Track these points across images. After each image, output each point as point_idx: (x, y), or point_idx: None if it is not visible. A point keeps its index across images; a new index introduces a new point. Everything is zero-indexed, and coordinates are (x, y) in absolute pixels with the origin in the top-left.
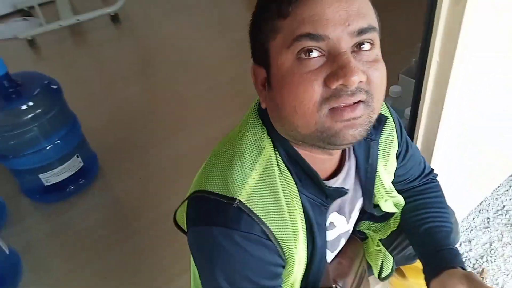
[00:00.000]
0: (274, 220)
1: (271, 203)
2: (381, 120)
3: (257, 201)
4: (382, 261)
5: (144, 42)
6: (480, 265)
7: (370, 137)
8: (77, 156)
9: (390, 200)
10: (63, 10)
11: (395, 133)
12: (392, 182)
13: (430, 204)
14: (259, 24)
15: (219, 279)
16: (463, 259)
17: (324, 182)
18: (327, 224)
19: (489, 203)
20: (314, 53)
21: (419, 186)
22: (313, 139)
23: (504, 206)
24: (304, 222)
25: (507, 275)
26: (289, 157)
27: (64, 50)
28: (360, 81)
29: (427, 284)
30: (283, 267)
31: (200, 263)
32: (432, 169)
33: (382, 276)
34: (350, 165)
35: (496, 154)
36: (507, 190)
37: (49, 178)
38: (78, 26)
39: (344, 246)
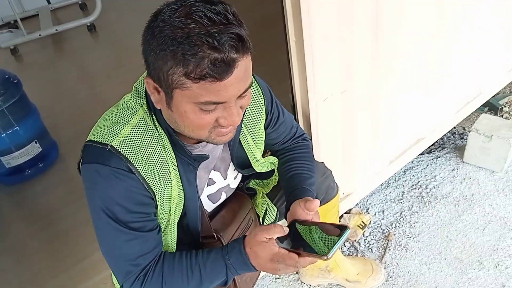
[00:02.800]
0: (143, 163)
1: (142, 150)
2: None
3: (127, 148)
4: (266, 210)
5: (116, 48)
6: (388, 231)
7: None
8: (35, 142)
9: (262, 165)
10: (44, 22)
11: (263, 107)
12: (268, 144)
13: (296, 158)
14: (164, 64)
15: (98, 205)
16: (375, 227)
17: (190, 150)
18: (206, 181)
19: (405, 179)
20: (212, 106)
21: (290, 145)
22: (197, 139)
23: (419, 181)
24: (177, 173)
25: (410, 237)
26: (167, 131)
27: (43, 57)
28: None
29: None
30: (152, 199)
31: (86, 194)
32: (304, 133)
33: (265, 223)
34: None
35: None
36: (424, 168)
37: (10, 161)
38: (58, 36)
39: (229, 201)
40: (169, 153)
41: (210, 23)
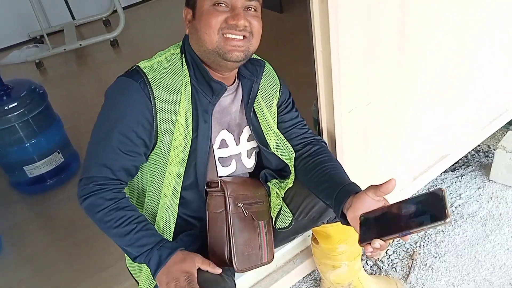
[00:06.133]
0: (157, 83)
1: (161, 73)
2: (260, 65)
3: (151, 70)
4: (280, 212)
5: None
6: (413, 249)
7: (252, 78)
8: (58, 152)
9: (278, 142)
10: (69, 37)
11: (278, 88)
12: (285, 131)
13: (329, 160)
14: None
15: (105, 106)
16: (399, 245)
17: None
18: (218, 138)
19: None
20: (223, 5)
21: (315, 150)
22: (213, 54)
23: None
24: (189, 102)
25: (436, 257)
26: (193, 62)
27: (67, 70)
28: (245, 25)
29: (343, 222)
30: (151, 126)
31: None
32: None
33: (277, 225)
34: (237, 92)
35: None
36: (449, 186)
37: (32, 170)
38: (82, 50)
39: (245, 179)
40: (186, 81)
41: None
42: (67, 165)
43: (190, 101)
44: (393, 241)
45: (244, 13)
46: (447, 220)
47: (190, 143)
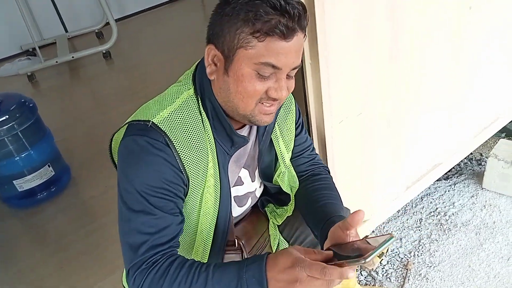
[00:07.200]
0: (181, 141)
1: (182, 129)
2: None
3: (168, 125)
4: (278, 245)
5: (130, 75)
6: (407, 259)
7: None
8: (48, 166)
9: (286, 175)
10: (61, 49)
11: (294, 110)
12: (294, 153)
13: (327, 188)
14: (233, 27)
15: (127, 174)
16: (393, 255)
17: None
18: (236, 178)
19: (423, 206)
20: (267, 73)
21: (318, 174)
22: (242, 117)
23: (437, 208)
24: (216, 161)
25: (430, 266)
26: (213, 111)
27: (59, 83)
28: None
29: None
30: (182, 180)
31: (118, 167)
32: (325, 165)
33: None
34: (253, 126)
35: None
36: (442, 195)
37: (22, 184)
38: (74, 62)
39: (251, 214)
40: (209, 137)
41: None
42: (57, 178)
43: (216, 158)
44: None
45: (285, 81)
46: (366, 260)
47: (219, 200)
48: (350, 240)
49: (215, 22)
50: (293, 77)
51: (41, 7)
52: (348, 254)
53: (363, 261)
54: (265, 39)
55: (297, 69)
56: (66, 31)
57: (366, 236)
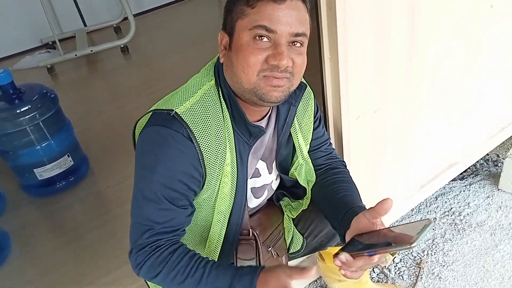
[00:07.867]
0: (202, 133)
1: (203, 121)
2: (301, 88)
3: (190, 116)
4: (292, 238)
5: (148, 70)
6: (420, 258)
7: (291, 101)
8: (68, 156)
9: (303, 168)
10: (80, 43)
11: (312, 104)
12: (311, 147)
13: (346, 181)
14: (233, 5)
15: (147, 160)
16: (407, 253)
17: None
18: (253, 170)
19: (437, 205)
20: (264, 39)
21: (336, 168)
22: (250, 93)
23: (451, 208)
24: (234, 151)
25: (443, 266)
26: (229, 99)
27: (78, 76)
28: (287, 66)
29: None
30: (200, 174)
31: (137, 154)
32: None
33: (290, 250)
34: (271, 118)
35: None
36: (457, 195)
37: (42, 173)
38: (93, 56)
39: (266, 207)
40: (227, 127)
41: None
42: (76, 168)
43: (234, 148)
44: (398, 254)
45: (288, 49)
46: (412, 245)
47: (235, 190)
48: (377, 229)
49: (226, 12)
50: (303, 54)
51: (61, 2)
52: (374, 242)
53: (408, 246)
54: (256, 5)
55: (302, 42)
56: (85, 25)
57: (390, 226)
